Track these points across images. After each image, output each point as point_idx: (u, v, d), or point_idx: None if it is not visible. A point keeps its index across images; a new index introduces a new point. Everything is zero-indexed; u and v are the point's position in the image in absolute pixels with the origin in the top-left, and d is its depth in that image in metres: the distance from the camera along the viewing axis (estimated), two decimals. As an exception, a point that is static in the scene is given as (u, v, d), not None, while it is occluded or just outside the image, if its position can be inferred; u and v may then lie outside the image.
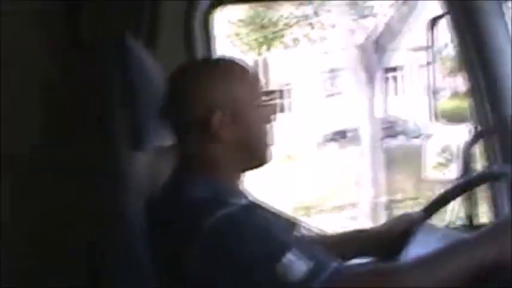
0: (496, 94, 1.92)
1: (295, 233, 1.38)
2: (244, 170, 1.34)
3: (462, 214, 1.67)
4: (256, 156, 1.32)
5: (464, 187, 1.66)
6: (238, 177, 1.33)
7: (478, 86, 1.96)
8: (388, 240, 1.56)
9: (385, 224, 1.63)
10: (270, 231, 1.18)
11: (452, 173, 1.97)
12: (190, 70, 1.33)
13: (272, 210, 1.43)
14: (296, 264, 1.11)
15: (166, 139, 1.35)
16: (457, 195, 1.65)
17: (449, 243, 1.19)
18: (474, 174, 1.89)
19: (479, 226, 1.70)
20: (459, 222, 1.68)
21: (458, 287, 1.14)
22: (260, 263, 1.12)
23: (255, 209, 1.25)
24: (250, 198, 1.37)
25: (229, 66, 1.33)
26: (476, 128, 2.01)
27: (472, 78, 1.97)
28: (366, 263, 1.49)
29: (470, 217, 1.64)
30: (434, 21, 2.03)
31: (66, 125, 1.20)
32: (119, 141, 1.20)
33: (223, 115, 1.25)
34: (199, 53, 1.99)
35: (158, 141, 1.35)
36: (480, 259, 1.14)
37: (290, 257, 1.11)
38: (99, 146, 1.19)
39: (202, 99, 1.26)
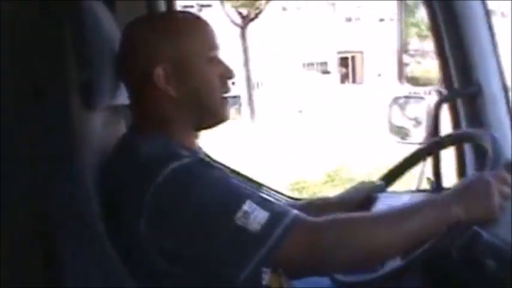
0: (462, 57, 1.92)
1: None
2: (198, 129, 1.29)
3: (430, 177, 1.66)
4: (209, 114, 1.26)
5: (427, 150, 1.65)
6: (192, 136, 1.28)
7: (444, 49, 1.95)
8: (348, 209, 1.52)
9: (345, 193, 1.60)
10: (225, 182, 1.14)
11: (419, 136, 1.97)
12: (136, 24, 1.28)
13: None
14: (254, 214, 1.07)
15: (124, 97, 1.30)
16: (418, 161, 1.64)
17: (419, 199, 1.17)
18: (437, 137, 1.89)
19: (447, 188, 1.70)
20: (427, 186, 1.67)
21: (415, 244, 1.13)
22: (217, 215, 1.08)
23: (209, 162, 1.21)
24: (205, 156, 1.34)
25: (175, 18, 1.29)
26: (441, 91, 2.01)
27: (439, 40, 1.96)
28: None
29: (438, 179, 1.63)
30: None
31: (20, 83, 1.13)
32: (72, 98, 1.15)
33: (166, 69, 1.20)
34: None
35: (114, 100, 1.29)
36: (448, 216, 1.13)
37: (247, 208, 1.08)
38: (52, 103, 1.13)
39: (146, 53, 1.21)
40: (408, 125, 2.07)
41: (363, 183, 1.62)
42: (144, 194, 1.10)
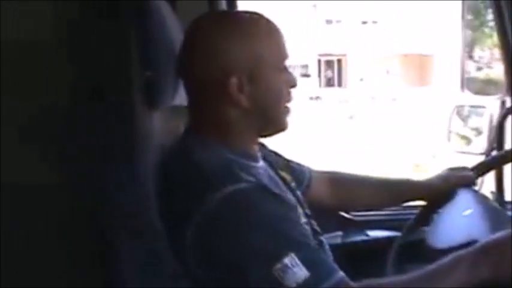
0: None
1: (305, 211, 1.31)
2: (260, 136, 1.25)
3: (492, 189, 1.61)
4: (273, 123, 1.22)
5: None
6: (253, 143, 1.25)
7: (511, 59, 1.89)
8: (439, 192, 1.55)
9: (434, 178, 1.59)
10: (277, 224, 1.09)
11: (479, 146, 1.91)
12: (206, 24, 1.20)
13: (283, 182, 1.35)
14: (292, 270, 1.03)
15: (182, 98, 1.27)
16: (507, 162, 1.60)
17: (446, 259, 1.12)
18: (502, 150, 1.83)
19: (508, 202, 1.65)
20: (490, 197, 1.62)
21: None
22: (257, 258, 1.05)
23: (268, 189, 1.14)
24: (264, 161, 1.30)
25: (249, 22, 1.20)
26: (503, 102, 1.94)
27: (505, 51, 1.90)
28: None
29: (501, 193, 1.58)
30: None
31: (83, 81, 1.12)
32: (134, 98, 1.13)
33: (241, 78, 1.15)
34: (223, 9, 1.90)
35: (174, 100, 1.27)
36: (476, 277, 1.09)
37: (287, 262, 1.03)
38: (114, 102, 1.11)
39: (219, 60, 1.14)
40: (469, 134, 2.02)
41: (454, 169, 1.60)
42: (197, 208, 1.07)
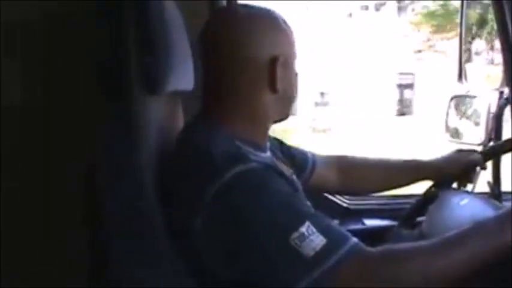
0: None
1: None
2: (274, 123, 1.28)
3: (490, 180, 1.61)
4: (288, 109, 1.27)
5: None
6: (267, 131, 1.27)
7: (510, 48, 1.88)
8: (446, 173, 1.59)
9: (441, 160, 1.62)
10: (288, 197, 1.11)
11: (476, 137, 1.91)
12: (242, 11, 1.23)
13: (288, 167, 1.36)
14: (309, 239, 1.03)
15: (181, 83, 1.27)
16: None
17: (468, 227, 1.12)
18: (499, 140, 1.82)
19: (505, 193, 1.65)
20: (485, 189, 1.62)
21: (474, 271, 1.08)
22: (273, 231, 1.05)
23: (276, 169, 1.18)
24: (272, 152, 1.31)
25: (278, 16, 1.26)
26: (502, 92, 1.94)
27: (505, 43, 1.89)
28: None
29: (497, 183, 1.58)
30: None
31: (78, 67, 1.11)
32: (134, 83, 1.12)
33: (281, 64, 1.19)
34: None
35: (174, 85, 1.26)
36: (501, 242, 1.08)
37: (304, 231, 1.04)
38: (112, 89, 1.10)
39: (268, 40, 1.19)
40: (466, 125, 2.01)
41: (462, 151, 1.62)
42: (205, 193, 1.07)
